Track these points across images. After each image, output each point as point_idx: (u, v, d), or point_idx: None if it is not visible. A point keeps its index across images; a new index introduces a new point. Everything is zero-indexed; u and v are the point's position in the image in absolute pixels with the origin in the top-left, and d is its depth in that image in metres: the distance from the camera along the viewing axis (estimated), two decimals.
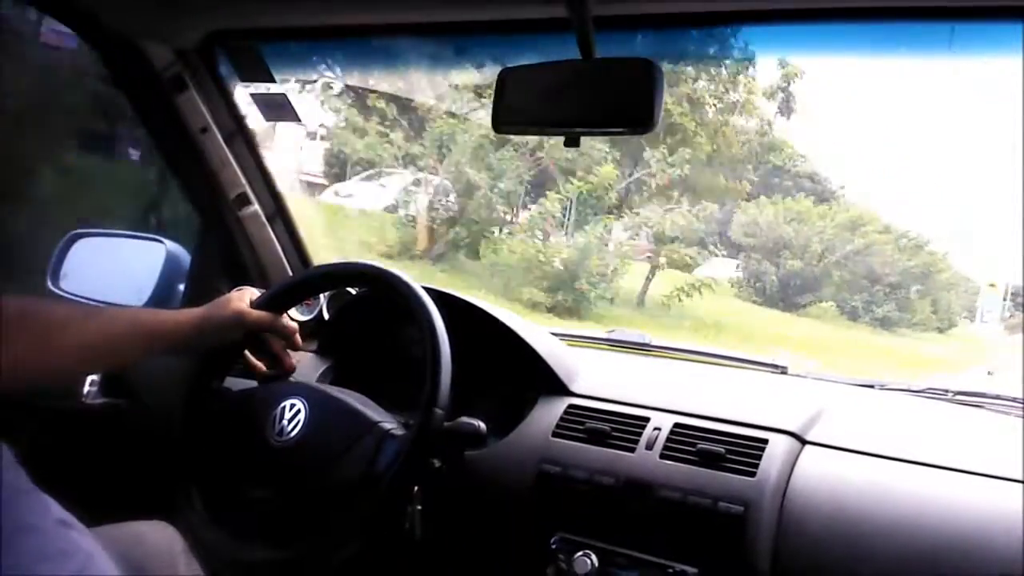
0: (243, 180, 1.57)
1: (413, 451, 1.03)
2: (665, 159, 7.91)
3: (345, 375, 1.41)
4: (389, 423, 1.06)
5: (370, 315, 1.45)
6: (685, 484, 1.03)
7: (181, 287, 1.62)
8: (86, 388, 1.52)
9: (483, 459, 1.16)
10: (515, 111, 1.00)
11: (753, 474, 1.01)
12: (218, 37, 1.42)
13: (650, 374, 1.43)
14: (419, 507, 1.07)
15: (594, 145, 7.52)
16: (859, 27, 1.05)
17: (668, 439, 1.08)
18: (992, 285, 10.34)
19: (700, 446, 1.05)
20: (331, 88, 8.19)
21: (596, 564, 1.04)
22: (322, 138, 9.81)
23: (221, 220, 1.59)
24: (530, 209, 8.26)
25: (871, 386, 1.38)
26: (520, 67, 1.00)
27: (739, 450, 1.04)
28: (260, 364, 1.20)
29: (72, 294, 1.61)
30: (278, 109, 1.57)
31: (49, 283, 1.62)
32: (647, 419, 1.12)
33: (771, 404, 1.16)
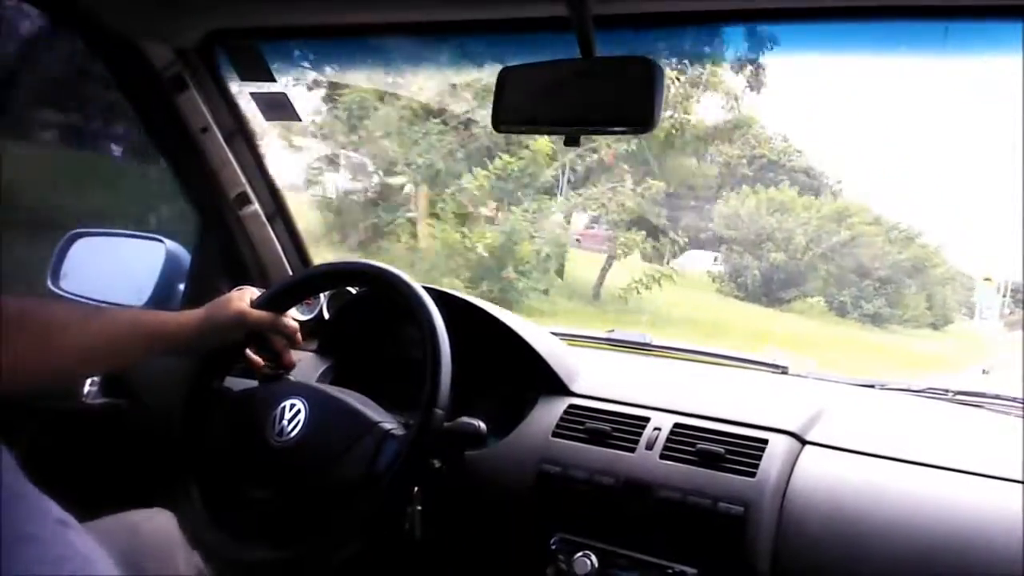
0: (243, 179, 1.58)
1: (413, 451, 1.03)
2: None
3: (345, 375, 1.41)
4: (389, 423, 1.06)
5: (370, 315, 1.45)
6: (685, 484, 1.03)
7: (181, 287, 1.62)
8: (86, 388, 1.53)
9: (483, 459, 1.16)
10: (515, 110, 1.00)
11: (753, 474, 1.01)
12: (218, 36, 1.42)
13: (650, 374, 1.43)
14: (419, 507, 1.07)
15: None
16: (855, 26, 1.05)
17: (668, 439, 1.08)
18: (987, 279, 10.01)
19: (700, 446, 1.05)
20: None
21: (596, 565, 1.04)
22: None
23: (221, 220, 1.59)
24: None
25: (871, 386, 1.38)
26: (520, 66, 1.00)
27: (739, 450, 1.04)
28: (261, 362, 1.20)
29: (72, 294, 1.61)
30: (278, 108, 1.57)
31: (49, 283, 1.62)
32: (647, 419, 1.12)
33: (771, 404, 1.16)
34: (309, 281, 1.29)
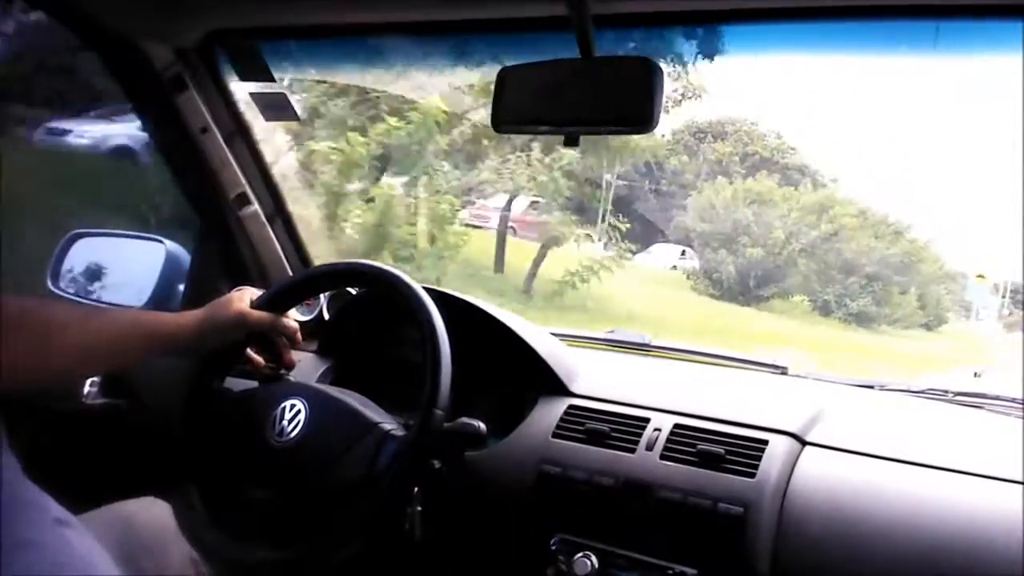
0: (243, 180, 1.57)
1: (413, 451, 1.03)
2: None
3: (345, 375, 1.41)
4: (389, 423, 1.06)
5: (370, 315, 1.45)
6: (685, 485, 1.02)
7: (181, 287, 1.62)
8: (86, 389, 1.52)
9: (483, 460, 1.16)
10: (514, 110, 1.00)
11: (753, 475, 1.01)
12: (218, 36, 1.42)
13: (650, 374, 1.43)
14: (419, 508, 1.07)
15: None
16: (850, 26, 1.05)
17: (668, 440, 1.08)
18: (981, 276, 9.64)
19: (700, 447, 1.05)
20: None
21: (596, 565, 1.04)
22: None
23: (221, 220, 1.59)
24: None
25: (871, 387, 1.38)
26: (520, 66, 1.00)
27: (739, 451, 1.04)
28: (261, 362, 1.20)
29: (72, 294, 1.62)
30: (278, 108, 1.57)
31: (49, 283, 1.62)
32: (647, 420, 1.12)
33: (771, 405, 1.16)
34: (309, 281, 1.29)
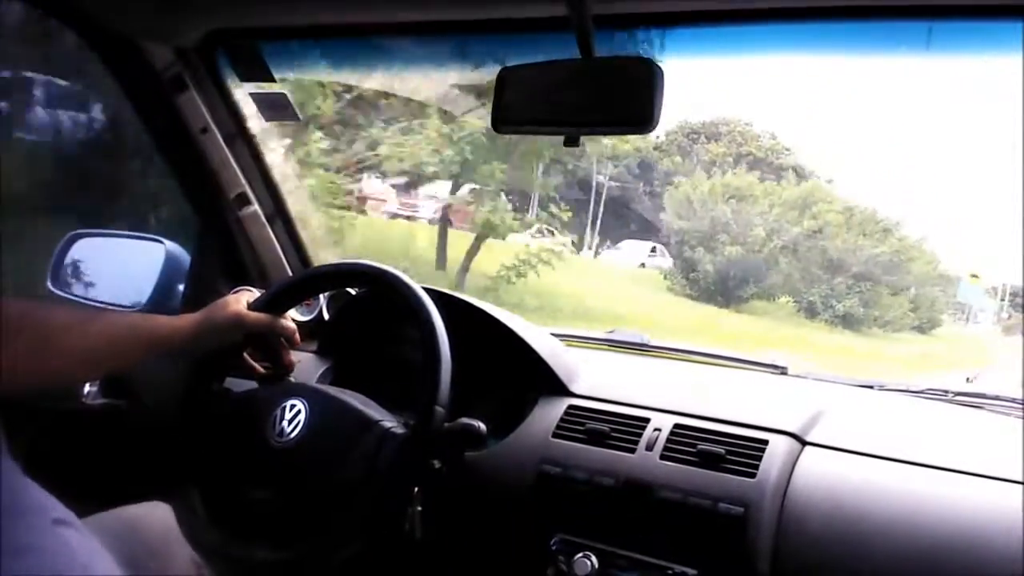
0: (243, 180, 1.57)
1: (413, 450, 1.03)
2: None
3: (345, 375, 1.41)
4: (389, 422, 1.06)
5: (370, 315, 1.45)
6: (685, 485, 1.02)
7: (181, 287, 1.62)
8: (86, 389, 1.52)
9: (483, 460, 1.16)
10: (515, 110, 1.00)
11: (753, 475, 1.01)
12: (218, 36, 1.42)
13: (650, 374, 1.43)
14: (419, 508, 1.07)
15: None
16: (845, 27, 1.05)
17: (668, 440, 1.08)
18: (974, 276, 9.32)
19: (700, 447, 1.05)
20: None
21: (596, 565, 1.04)
22: None
23: (221, 220, 1.59)
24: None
25: (871, 387, 1.38)
26: (520, 66, 1.00)
27: (739, 451, 1.04)
28: (259, 367, 1.20)
29: (72, 294, 1.61)
30: (278, 109, 1.57)
31: (49, 283, 1.62)
32: (647, 420, 1.12)
33: (771, 405, 1.16)
34: (308, 282, 1.29)
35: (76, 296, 1.61)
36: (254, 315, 1.14)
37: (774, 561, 0.97)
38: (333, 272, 1.28)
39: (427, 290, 1.13)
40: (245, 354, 1.18)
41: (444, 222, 6.98)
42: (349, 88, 4.92)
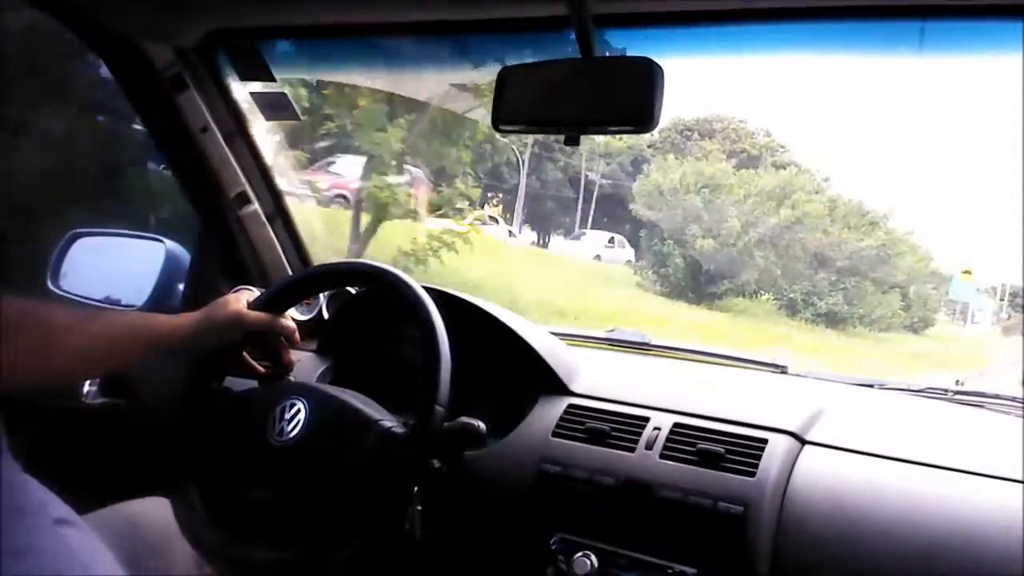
0: (243, 179, 1.58)
1: (413, 450, 1.03)
2: None
3: (345, 375, 1.41)
4: (389, 422, 1.06)
5: (370, 314, 1.45)
6: (685, 484, 1.03)
7: (181, 286, 1.62)
8: (86, 388, 1.52)
9: (483, 459, 1.16)
10: (515, 110, 1.00)
11: (753, 474, 1.01)
12: (218, 36, 1.42)
13: (650, 374, 1.43)
14: (419, 507, 1.07)
15: None
16: (841, 27, 1.06)
17: (668, 439, 1.08)
18: (967, 273, 8.69)
19: (700, 446, 1.05)
20: None
21: (596, 565, 1.04)
22: None
23: (221, 219, 1.59)
24: None
25: (871, 386, 1.38)
26: (520, 65, 1.00)
27: (739, 450, 1.04)
28: (259, 366, 1.20)
29: (72, 294, 1.61)
30: (278, 108, 1.57)
31: (49, 283, 1.62)
32: (647, 419, 1.12)
33: (771, 404, 1.16)
34: (307, 281, 1.29)
35: (76, 295, 1.61)
36: (254, 314, 1.14)
37: (774, 560, 0.97)
38: (333, 271, 1.28)
39: (427, 289, 1.13)
40: (245, 353, 1.18)
41: (358, 203, 6.13)
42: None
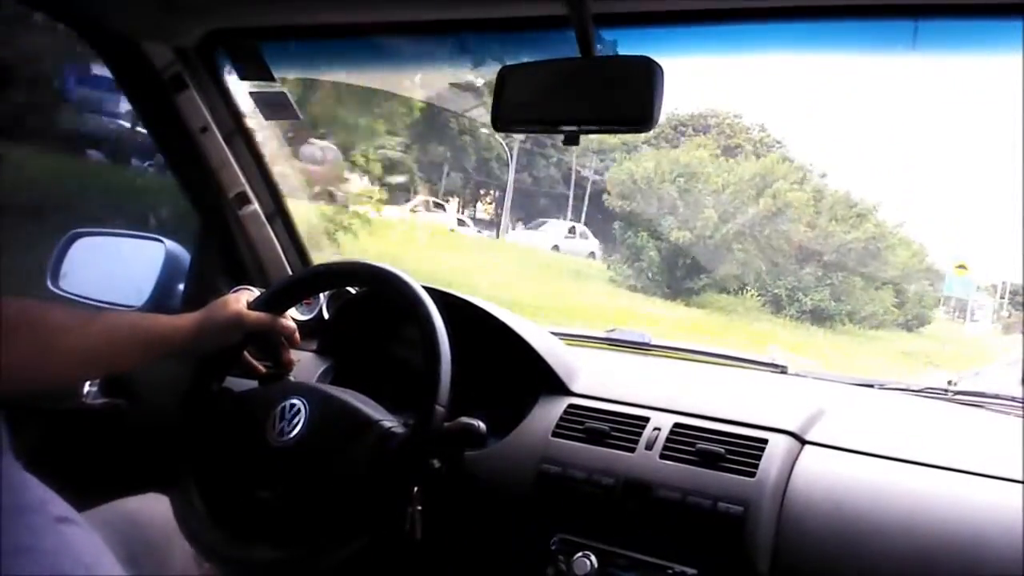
0: (243, 179, 1.58)
1: (413, 449, 1.03)
2: None
3: (345, 375, 1.41)
4: (389, 422, 1.06)
5: (370, 314, 1.45)
6: (685, 484, 1.02)
7: (181, 286, 1.62)
8: (86, 388, 1.53)
9: (483, 459, 1.16)
10: (515, 109, 1.00)
11: (753, 474, 1.01)
12: (218, 36, 1.42)
13: (650, 374, 1.43)
14: (419, 507, 1.07)
15: None
16: (836, 25, 1.06)
17: (668, 439, 1.08)
18: (962, 267, 8.40)
19: (700, 446, 1.05)
20: None
21: (596, 565, 1.04)
22: None
23: (221, 219, 1.59)
24: None
25: (870, 386, 1.38)
26: (520, 65, 1.01)
27: (739, 450, 1.04)
28: (259, 366, 1.20)
29: (72, 294, 1.61)
30: (278, 108, 1.57)
31: (49, 283, 1.62)
32: (647, 419, 1.12)
33: (771, 404, 1.16)
34: (307, 281, 1.28)
35: (76, 296, 1.61)
36: (254, 314, 1.14)
37: (773, 560, 0.97)
38: (333, 271, 1.28)
39: (427, 289, 1.13)
40: (245, 353, 1.18)
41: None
42: None
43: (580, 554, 1.05)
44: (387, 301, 1.33)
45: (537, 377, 1.25)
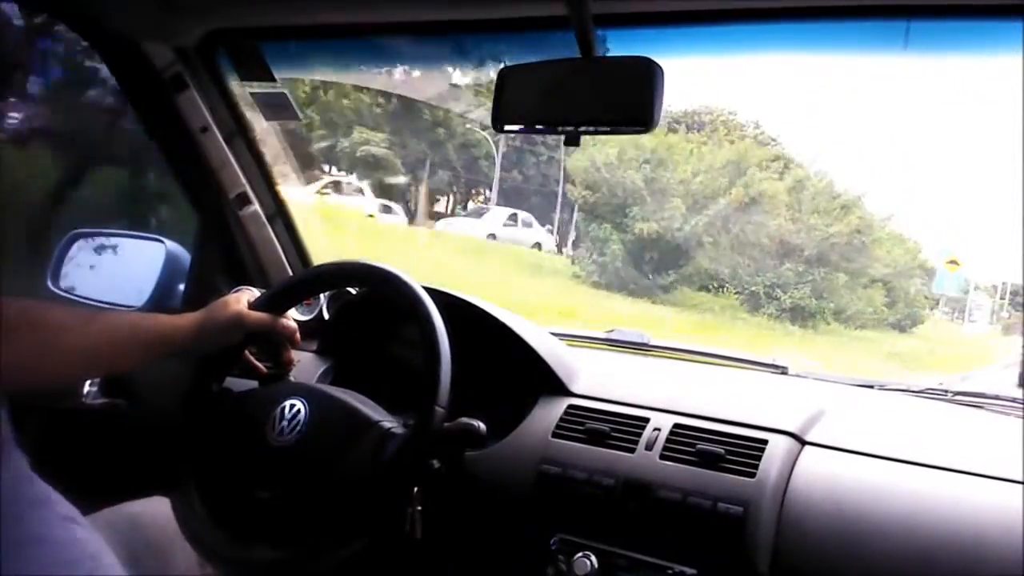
0: (243, 180, 1.58)
1: (413, 451, 1.03)
2: None
3: (345, 375, 1.41)
4: (389, 422, 1.06)
5: (370, 315, 1.45)
6: (685, 485, 1.02)
7: (181, 287, 1.62)
8: (86, 388, 1.53)
9: (483, 459, 1.16)
10: (515, 109, 1.00)
11: (753, 475, 1.01)
12: (218, 36, 1.43)
13: (650, 374, 1.43)
14: (419, 507, 1.07)
15: None
16: (833, 25, 1.06)
17: (668, 440, 1.08)
18: (953, 263, 7.93)
19: (700, 447, 1.05)
20: None
21: (595, 565, 1.04)
22: None
23: (221, 220, 1.59)
24: None
25: (870, 386, 1.38)
26: (520, 65, 1.01)
27: (739, 451, 1.04)
28: (260, 366, 1.20)
29: (72, 294, 1.62)
30: (278, 108, 1.57)
31: (49, 283, 1.62)
32: (647, 419, 1.12)
33: (771, 404, 1.16)
34: (308, 282, 1.29)
35: (76, 296, 1.61)
36: (254, 315, 1.14)
37: (773, 561, 0.97)
38: (333, 271, 1.28)
39: (427, 290, 1.13)
40: (246, 353, 1.18)
41: None
42: None
43: (580, 554, 1.05)
44: (387, 301, 1.33)
45: (537, 378, 1.25)
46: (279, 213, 1.64)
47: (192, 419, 1.15)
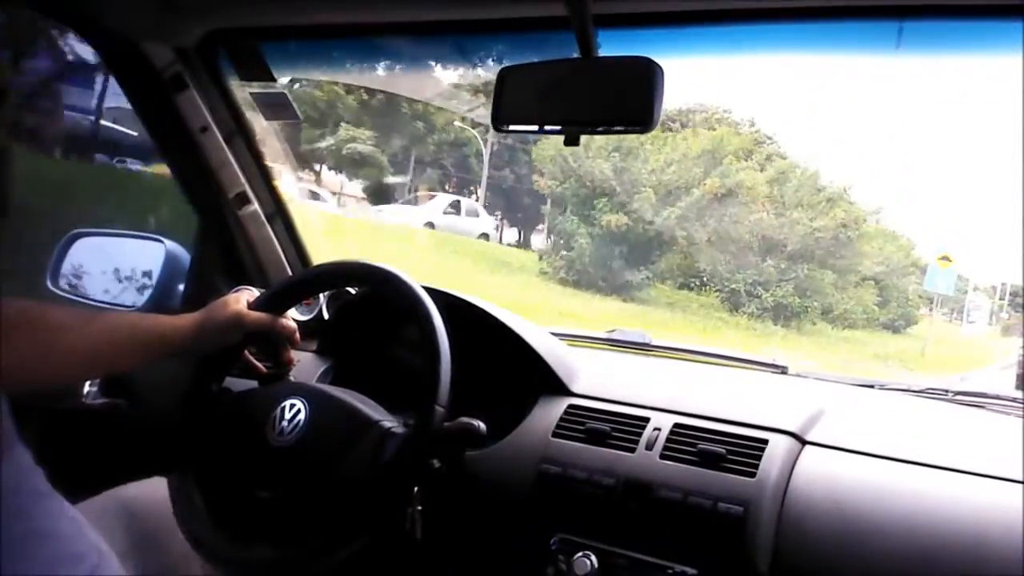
0: (243, 179, 1.58)
1: (413, 449, 1.03)
2: None
3: (345, 375, 1.41)
4: (389, 422, 1.06)
5: (370, 315, 1.45)
6: (685, 484, 1.02)
7: (181, 287, 1.62)
8: (86, 388, 1.53)
9: (483, 459, 1.16)
10: (515, 109, 1.00)
11: (753, 474, 1.01)
12: (218, 36, 1.42)
13: (650, 374, 1.43)
14: (419, 507, 1.07)
15: None
16: (833, 25, 1.06)
17: (668, 439, 1.08)
18: (945, 259, 7.47)
19: (700, 446, 1.05)
20: None
21: (596, 565, 1.04)
22: None
23: (221, 219, 1.59)
24: None
25: (871, 386, 1.38)
26: (520, 65, 1.01)
27: (739, 450, 1.04)
28: (260, 366, 1.20)
29: (72, 294, 1.62)
30: (278, 108, 1.57)
31: (49, 283, 1.62)
32: (647, 419, 1.12)
33: (771, 404, 1.16)
34: (307, 281, 1.28)
35: (76, 296, 1.61)
36: (254, 314, 1.14)
37: (774, 560, 0.97)
38: (333, 271, 1.28)
39: (427, 290, 1.13)
40: (246, 353, 1.18)
41: None
42: None
43: (580, 554, 1.05)
44: (387, 301, 1.33)
45: (537, 377, 1.25)
46: (278, 213, 1.64)
47: (192, 419, 1.15)
